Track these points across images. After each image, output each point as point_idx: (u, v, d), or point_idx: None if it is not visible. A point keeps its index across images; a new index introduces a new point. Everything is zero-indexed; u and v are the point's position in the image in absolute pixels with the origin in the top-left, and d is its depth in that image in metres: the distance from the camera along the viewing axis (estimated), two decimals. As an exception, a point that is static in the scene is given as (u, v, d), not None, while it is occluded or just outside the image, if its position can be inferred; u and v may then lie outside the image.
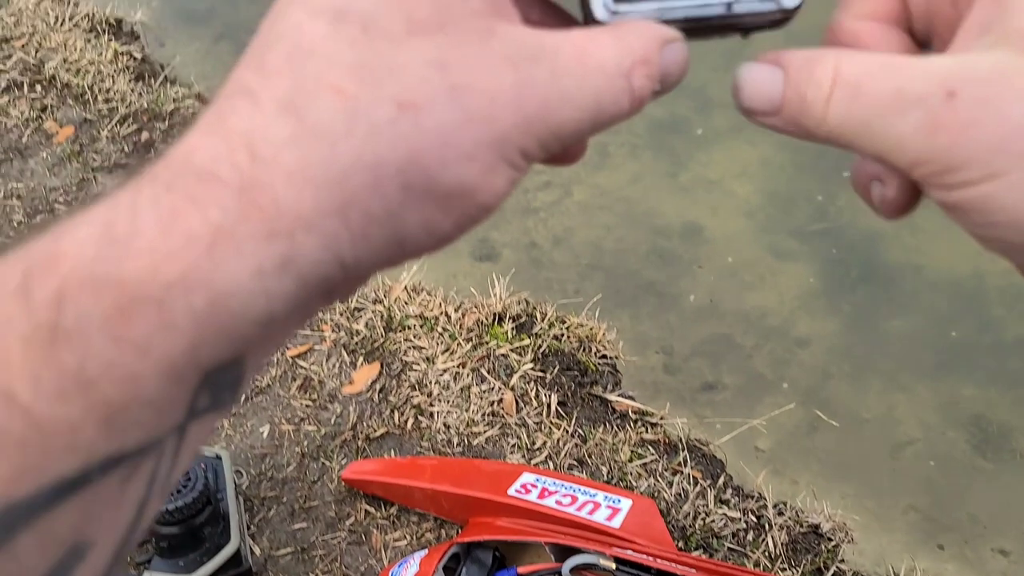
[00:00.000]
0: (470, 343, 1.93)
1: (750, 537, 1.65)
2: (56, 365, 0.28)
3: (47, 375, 0.28)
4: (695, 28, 0.39)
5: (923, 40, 0.39)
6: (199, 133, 0.31)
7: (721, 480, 1.74)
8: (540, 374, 1.88)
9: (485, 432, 1.80)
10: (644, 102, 0.37)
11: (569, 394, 1.87)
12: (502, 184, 0.34)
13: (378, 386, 1.91)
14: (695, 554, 1.62)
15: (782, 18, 0.39)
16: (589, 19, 0.38)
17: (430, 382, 1.88)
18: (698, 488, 1.71)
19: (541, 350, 1.92)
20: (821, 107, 0.35)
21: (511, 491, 1.58)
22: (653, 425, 1.83)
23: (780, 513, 1.68)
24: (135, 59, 2.88)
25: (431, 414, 1.84)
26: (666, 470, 1.74)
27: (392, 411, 1.86)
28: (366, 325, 2.01)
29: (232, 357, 0.31)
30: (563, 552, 1.39)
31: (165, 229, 0.29)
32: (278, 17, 0.33)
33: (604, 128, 0.36)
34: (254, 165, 0.30)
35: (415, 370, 1.91)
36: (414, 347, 1.95)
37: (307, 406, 1.89)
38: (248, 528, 1.71)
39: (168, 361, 0.29)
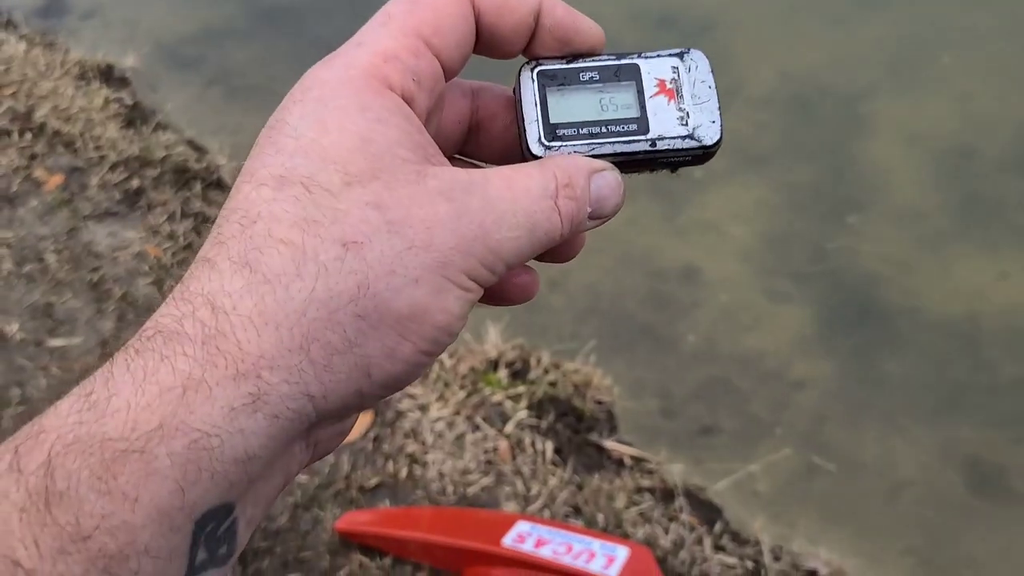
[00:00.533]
0: (464, 390, 2.00)
1: (748, 584, 1.71)
2: (53, 526, 0.32)
3: (45, 537, 0.32)
4: (624, 163, 0.45)
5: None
6: (166, 305, 0.37)
7: (718, 526, 1.80)
8: (535, 421, 1.95)
9: (480, 480, 1.86)
10: (577, 224, 0.43)
11: (565, 441, 1.93)
12: (453, 305, 0.39)
13: (372, 435, 1.97)
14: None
15: (704, 154, 0.46)
16: (527, 155, 0.45)
17: (424, 430, 1.95)
18: (695, 534, 1.77)
19: (536, 397, 1.98)
20: None
21: (506, 541, 1.63)
22: (650, 471, 1.89)
23: (777, 559, 1.74)
24: (126, 105, 2.98)
25: (425, 463, 1.90)
26: (663, 516, 1.80)
27: (386, 460, 1.92)
28: (360, 373, 2.07)
29: (221, 503, 0.35)
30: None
31: (139, 386, 0.34)
32: (232, 195, 0.39)
33: (546, 247, 0.42)
34: (215, 316, 0.35)
35: (409, 418, 1.97)
36: (408, 395, 2.02)
37: (301, 456, 1.95)
38: (242, 581, 1.75)
39: (157, 507, 0.33)
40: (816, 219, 2.43)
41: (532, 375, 2.03)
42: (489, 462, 1.89)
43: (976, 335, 2.14)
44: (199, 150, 2.82)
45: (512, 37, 0.44)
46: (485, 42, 0.44)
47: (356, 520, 1.81)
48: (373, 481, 1.89)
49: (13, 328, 2.22)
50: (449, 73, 0.43)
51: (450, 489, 1.86)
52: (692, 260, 2.38)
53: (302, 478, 1.90)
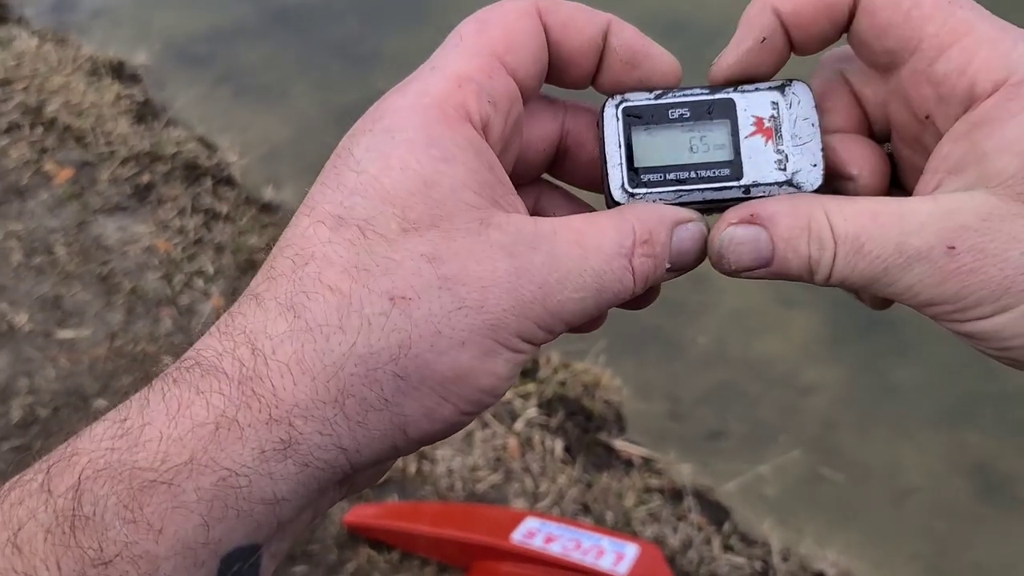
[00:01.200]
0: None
1: (756, 584, 1.72)
2: (76, 550, 0.32)
3: (68, 559, 0.32)
4: (712, 208, 0.42)
5: (880, 139, 0.44)
6: (210, 336, 0.37)
7: (726, 527, 1.81)
8: (545, 419, 1.96)
9: (489, 477, 1.87)
10: (650, 280, 0.40)
11: (574, 440, 1.94)
12: (502, 368, 0.37)
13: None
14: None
15: None
16: (610, 202, 0.43)
17: (434, 427, 1.96)
18: (703, 534, 1.78)
19: (546, 396, 2.00)
20: (827, 265, 0.38)
21: (515, 536, 1.64)
22: (658, 471, 1.91)
23: (785, 559, 1.75)
24: (137, 102, 2.99)
25: (434, 459, 1.91)
26: (671, 516, 1.81)
27: (395, 456, 1.93)
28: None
29: (248, 543, 0.35)
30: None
31: (172, 418, 0.34)
32: (291, 225, 0.39)
33: (613, 304, 0.40)
34: (254, 358, 0.35)
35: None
36: (418, 392, 2.02)
37: (310, 450, 1.96)
38: (250, 572, 1.76)
39: (182, 540, 0.33)
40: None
41: (542, 374, 2.05)
42: (498, 459, 1.90)
43: (984, 343, 2.16)
44: (209, 147, 2.84)
45: (580, 58, 0.42)
46: (553, 64, 0.42)
47: (364, 514, 1.81)
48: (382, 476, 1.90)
49: (22, 319, 2.23)
50: (526, 92, 0.42)
51: (459, 485, 1.87)
52: (702, 265, 2.40)
53: (310, 472, 1.91)
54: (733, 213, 0.41)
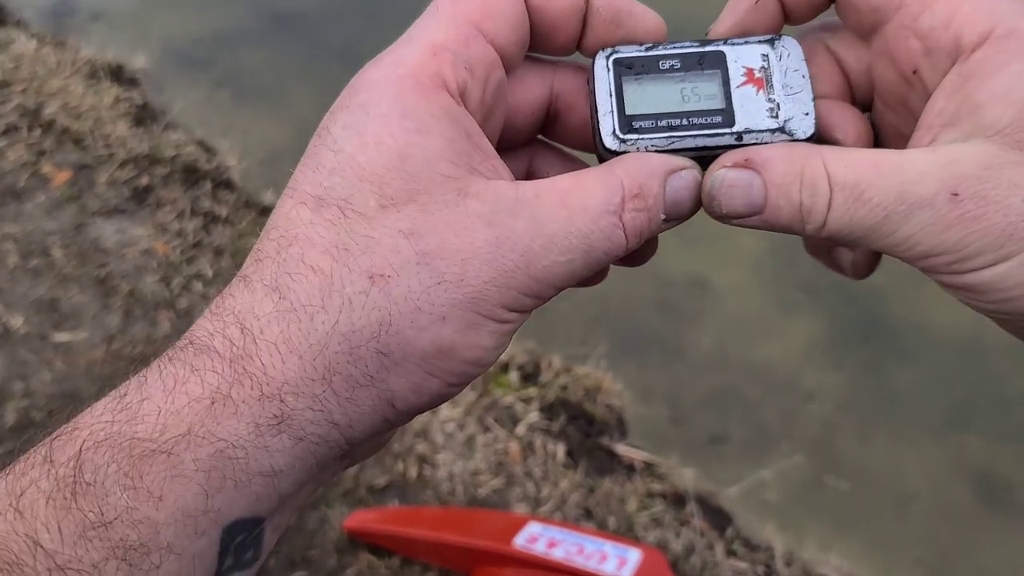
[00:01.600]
0: (475, 392, 2.00)
1: (758, 590, 1.71)
2: (76, 514, 0.33)
3: (68, 522, 0.33)
4: (705, 157, 0.42)
5: (864, 107, 0.45)
6: (203, 318, 0.38)
7: (729, 532, 1.81)
8: (546, 424, 1.95)
9: (490, 482, 1.86)
10: (645, 234, 0.39)
11: (576, 444, 1.94)
12: (486, 339, 0.37)
13: (382, 434, 1.97)
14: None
15: None
16: (602, 151, 0.42)
17: (434, 431, 1.95)
18: (706, 539, 1.77)
19: (547, 400, 1.99)
20: (821, 212, 0.38)
21: (517, 541, 1.63)
22: (661, 476, 1.90)
23: (788, 564, 1.74)
24: (135, 105, 2.99)
25: (435, 464, 1.90)
26: (674, 521, 1.80)
27: (396, 460, 1.92)
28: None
29: (250, 515, 0.36)
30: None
31: (169, 393, 0.35)
32: (276, 208, 0.39)
33: (604, 264, 0.39)
34: (243, 338, 0.36)
35: (419, 418, 1.97)
36: (418, 395, 2.02)
37: (309, 454, 1.95)
38: (249, 577, 1.75)
39: (182, 508, 0.34)
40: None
41: (543, 378, 2.04)
42: (500, 464, 1.90)
43: (983, 348, 2.17)
44: (209, 150, 2.83)
45: (563, 22, 0.42)
46: (537, 31, 0.42)
47: (365, 519, 1.80)
48: (382, 481, 1.89)
49: (18, 321, 2.21)
50: (508, 59, 0.42)
51: (460, 490, 1.86)
52: (702, 270, 2.40)
53: (310, 476, 1.90)
54: (727, 157, 0.40)
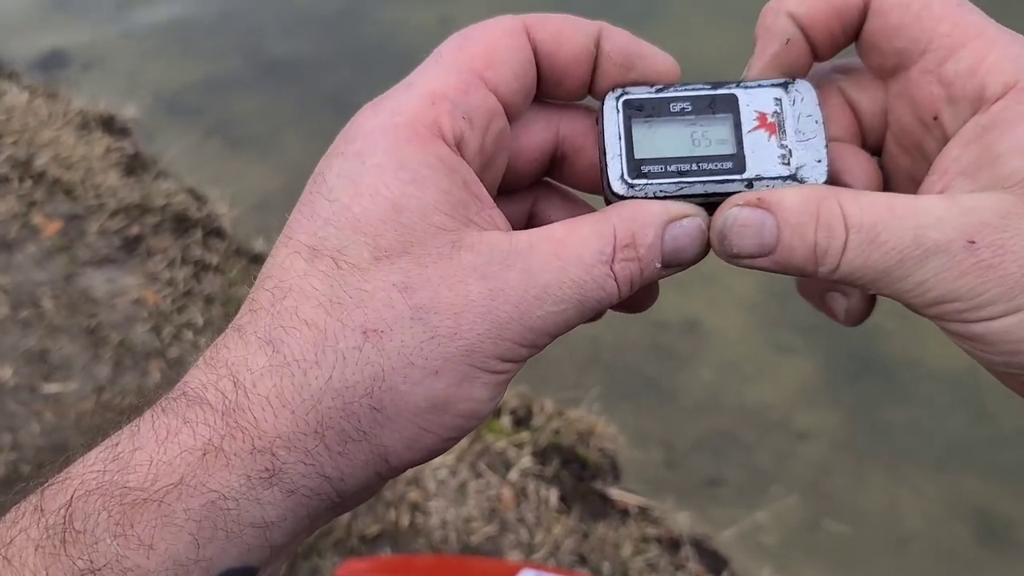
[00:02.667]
0: (467, 438, 2.00)
1: (756, 635, 1.69)
2: (66, 561, 0.33)
3: (57, 570, 0.33)
4: (714, 203, 0.41)
5: (874, 151, 0.44)
6: (196, 368, 0.38)
7: (725, 575, 1.79)
8: (539, 469, 1.94)
9: (483, 529, 1.85)
10: (637, 283, 0.39)
11: (569, 489, 1.93)
12: (480, 392, 0.37)
13: (374, 482, 1.96)
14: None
15: None
16: (610, 195, 0.42)
17: (426, 478, 1.94)
18: (702, 584, 1.76)
19: (540, 444, 1.98)
20: (836, 254, 0.38)
21: (511, 589, 1.62)
22: (655, 520, 1.89)
23: (786, 609, 1.73)
24: (127, 154, 3.01)
25: (428, 511, 1.89)
26: (669, 565, 1.79)
27: (387, 508, 1.91)
28: (361, 420, 2.07)
29: (241, 565, 0.36)
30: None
31: (162, 443, 0.35)
32: (271, 255, 0.39)
33: (598, 312, 0.39)
34: (236, 391, 0.36)
35: (411, 465, 1.96)
36: (410, 442, 2.01)
37: (300, 503, 1.94)
38: (239, 630, 1.73)
39: (172, 556, 0.34)
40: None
41: (535, 422, 2.04)
42: (493, 510, 1.88)
43: (977, 386, 2.17)
44: (199, 198, 2.85)
45: (573, 67, 0.42)
46: (547, 77, 0.42)
47: (357, 568, 1.78)
48: (374, 529, 1.88)
49: (7, 373, 2.21)
50: (512, 109, 0.41)
51: (453, 537, 1.85)
52: (694, 312, 2.41)
53: (301, 526, 1.89)
54: (740, 196, 0.40)
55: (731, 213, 0.39)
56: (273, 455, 0.35)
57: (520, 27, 0.41)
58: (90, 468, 0.35)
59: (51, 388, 2.20)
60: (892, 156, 0.44)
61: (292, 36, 3.47)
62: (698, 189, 0.41)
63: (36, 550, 0.33)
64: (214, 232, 2.70)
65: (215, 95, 3.26)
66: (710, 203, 0.41)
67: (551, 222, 0.41)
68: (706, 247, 0.41)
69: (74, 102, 3.21)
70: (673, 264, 0.40)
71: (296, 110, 3.12)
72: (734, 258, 0.40)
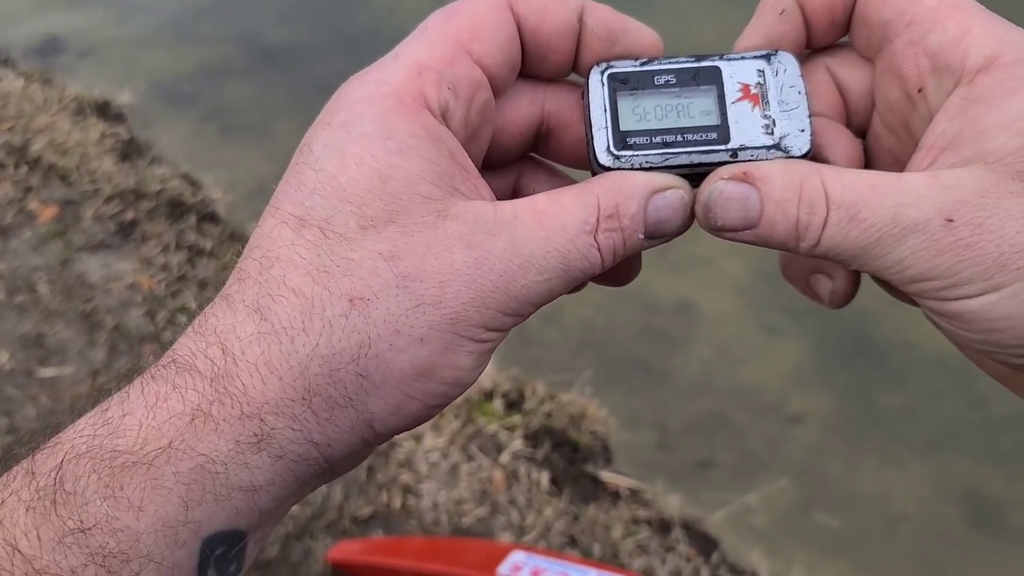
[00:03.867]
0: (459, 420, 2.00)
1: (746, 616, 1.70)
2: (56, 521, 0.34)
3: (47, 529, 0.34)
4: (699, 174, 0.41)
5: (859, 132, 0.44)
6: (185, 336, 0.38)
7: (715, 557, 1.80)
8: (531, 451, 1.95)
9: (474, 511, 1.86)
10: (620, 254, 0.40)
11: (560, 472, 1.94)
12: (465, 360, 0.38)
13: (365, 464, 1.96)
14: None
15: None
16: (596, 167, 0.42)
17: (418, 460, 1.95)
18: (692, 565, 1.77)
19: (531, 427, 1.99)
20: (816, 230, 0.38)
21: (502, 570, 1.62)
22: (646, 502, 1.90)
23: (775, 590, 1.73)
24: (122, 140, 3.01)
25: (419, 493, 1.90)
26: (660, 547, 1.79)
27: (379, 490, 1.92)
28: (354, 403, 2.07)
29: (231, 528, 0.36)
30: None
31: (151, 409, 0.36)
32: (258, 226, 0.40)
33: (582, 281, 0.40)
34: (224, 358, 0.36)
35: (403, 448, 1.97)
36: (402, 425, 2.02)
37: (293, 486, 1.95)
38: (231, 611, 1.74)
39: (162, 518, 0.34)
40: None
41: (527, 406, 2.04)
42: (484, 492, 1.89)
43: (969, 370, 2.16)
44: (194, 184, 2.86)
45: (556, 42, 0.42)
46: (531, 52, 0.42)
47: (349, 550, 1.80)
48: (366, 511, 1.89)
49: (3, 358, 2.22)
50: (497, 82, 0.42)
51: (444, 519, 1.86)
52: (686, 295, 2.41)
53: (294, 509, 1.89)
54: (725, 169, 0.40)
55: (716, 186, 0.40)
56: (261, 420, 0.36)
57: (504, 2, 0.41)
58: (80, 433, 0.35)
59: (47, 372, 2.21)
60: (878, 136, 0.44)
61: (287, 23, 3.47)
62: (683, 160, 0.41)
63: (27, 511, 0.34)
64: (208, 217, 2.70)
65: (210, 82, 3.26)
66: (695, 174, 0.42)
67: (533, 192, 0.42)
68: (689, 219, 0.41)
69: (69, 88, 3.22)
70: (656, 235, 0.40)
71: (290, 97, 3.12)
72: (718, 231, 0.40)
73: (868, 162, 0.44)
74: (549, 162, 0.47)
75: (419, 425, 0.40)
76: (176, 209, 2.69)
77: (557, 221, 0.38)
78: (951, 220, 0.36)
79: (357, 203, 0.37)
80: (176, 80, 3.29)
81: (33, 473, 0.35)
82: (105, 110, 3.15)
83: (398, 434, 0.39)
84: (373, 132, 0.38)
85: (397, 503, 1.89)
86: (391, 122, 0.38)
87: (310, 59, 3.26)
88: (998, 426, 2.07)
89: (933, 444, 2.06)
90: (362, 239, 0.37)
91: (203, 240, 2.60)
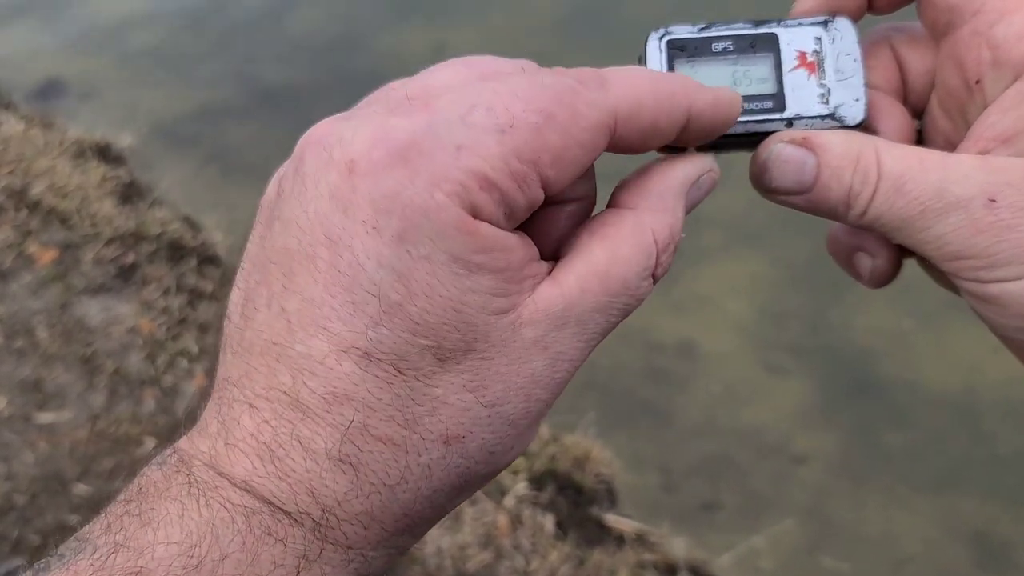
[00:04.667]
0: (463, 464, 2.00)
1: (755, 662, 1.68)
2: None
3: None
4: (755, 141, 0.42)
5: (916, 112, 0.45)
6: (248, 461, 0.35)
7: (722, 601, 1.79)
8: (535, 495, 1.94)
9: (479, 556, 1.84)
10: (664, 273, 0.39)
11: (565, 515, 1.92)
12: (532, 437, 0.39)
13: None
14: None
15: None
16: None
17: (422, 505, 1.93)
18: (699, 610, 1.75)
19: (535, 470, 1.98)
20: (866, 199, 0.39)
21: (507, 616, 1.61)
22: (652, 546, 1.88)
23: (784, 635, 1.72)
24: (122, 183, 3.02)
25: (422, 539, 1.88)
26: (666, 591, 1.78)
27: (383, 535, 1.90)
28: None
29: None
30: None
31: (251, 555, 0.34)
32: (295, 334, 0.35)
33: None
34: (322, 514, 0.35)
35: (407, 492, 1.96)
36: (405, 469, 2.00)
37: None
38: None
39: None
40: (812, 293, 2.48)
41: (531, 448, 2.03)
42: (488, 537, 1.88)
43: (974, 407, 2.17)
44: (194, 227, 2.86)
45: (655, 148, 0.40)
46: (622, 150, 0.40)
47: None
48: (369, 557, 1.87)
49: (1, 403, 2.21)
50: (551, 196, 0.38)
51: (448, 564, 1.84)
52: (689, 334, 2.41)
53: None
54: (786, 133, 0.41)
55: (775, 148, 0.40)
56: (364, 558, 0.36)
57: (608, 125, 0.37)
58: (168, 570, 0.33)
59: (45, 417, 2.20)
60: (934, 119, 0.44)
61: (287, 64, 3.50)
62: (739, 129, 0.41)
63: None
64: (209, 260, 2.71)
65: (210, 124, 3.28)
66: (750, 142, 0.42)
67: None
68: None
69: (70, 131, 3.23)
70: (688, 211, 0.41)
71: (291, 137, 3.11)
72: (771, 192, 0.41)
73: (922, 142, 0.44)
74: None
75: None
76: (177, 252, 2.70)
77: (619, 280, 0.37)
78: (994, 200, 0.36)
79: (433, 336, 0.34)
80: (177, 122, 3.31)
81: None
82: (106, 153, 3.17)
83: None
84: (437, 256, 0.34)
85: (400, 548, 1.87)
86: (454, 243, 0.34)
87: (310, 100, 3.28)
88: (1004, 464, 2.06)
89: (939, 483, 2.05)
90: (443, 373, 0.35)
91: (204, 283, 2.60)
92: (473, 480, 0.37)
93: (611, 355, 2.38)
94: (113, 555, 0.33)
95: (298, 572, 0.35)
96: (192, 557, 0.33)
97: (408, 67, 0.41)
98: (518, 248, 0.36)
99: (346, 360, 0.34)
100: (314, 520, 0.35)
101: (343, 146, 0.36)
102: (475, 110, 0.35)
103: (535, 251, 0.37)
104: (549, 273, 0.38)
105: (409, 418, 0.35)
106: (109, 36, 3.81)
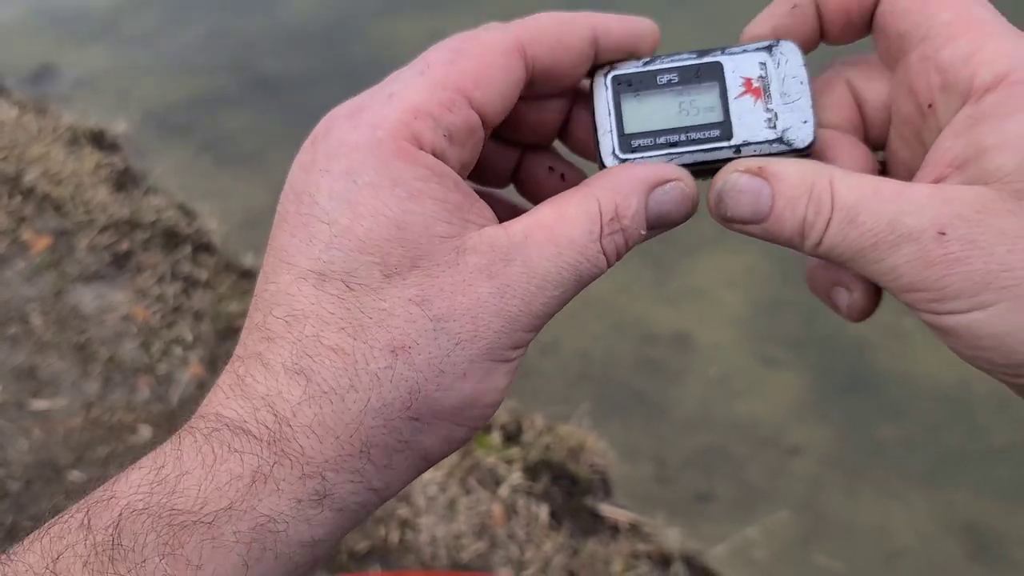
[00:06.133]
0: (457, 453, 2.00)
1: (747, 652, 1.69)
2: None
3: None
4: (705, 170, 0.42)
5: (877, 146, 0.45)
6: (223, 394, 0.38)
7: (716, 592, 1.79)
8: (529, 485, 1.94)
9: (473, 545, 1.85)
10: (623, 252, 0.41)
11: (559, 505, 1.93)
12: (501, 380, 0.40)
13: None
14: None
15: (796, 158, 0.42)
16: (602, 169, 0.43)
17: (416, 494, 1.94)
18: (693, 601, 1.76)
19: (530, 460, 1.98)
20: (820, 230, 0.39)
21: (501, 606, 1.62)
22: (646, 536, 1.89)
23: (777, 625, 1.72)
24: (116, 170, 3.01)
25: (417, 527, 1.89)
26: (660, 582, 1.79)
27: (377, 524, 1.91)
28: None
29: None
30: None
31: (209, 470, 0.36)
32: (270, 280, 0.40)
33: (589, 283, 0.41)
34: (277, 423, 0.37)
35: (401, 482, 1.96)
36: (400, 458, 2.01)
37: (290, 520, 1.93)
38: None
39: None
40: (806, 285, 2.48)
41: (525, 438, 2.04)
42: (482, 526, 1.88)
43: (968, 400, 2.17)
44: (189, 214, 2.85)
45: (571, 71, 0.43)
46: (541, 81, 0.43)
47: (346, 586, 1.78)
48: (363, 546, 1.87)
49: (-5, 390, 2.21)
50: (489, 123, 0.42)
51: (443, 554, 1.85)
52: (683, 326, 2.41)
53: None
54: (741, 162, 0.41)
55: (731, 178, 0.41)
56: (322, 478, 0.36)
57: (515, 46, 0.41)
58: (136, 489, 0.35)
59: (39, 405, 2.19)
60: (894, 150, 0.44)
61: (282, 52, 3.49)
62: (687, 159, 0.42)
63: (84, 566, 0.34)
64: (203, 247, 2.70)
65: (205, 111, 3.27)
66: (703, 171, 0.42)
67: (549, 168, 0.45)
68: (691, 209, 0.42)
69: (64, 117, 3.22)
70: (657, 227, 0.41)
71: (286, 126, 3.13)
72: (728, 221, 0.41)
73: (885, 174, 0.44)
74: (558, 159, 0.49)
75: (464, 444, 0.41)
76: (171, 239, 2.69)
77: (566, 236, 0.39)
78: (943, 233, 0.36)
79: (378, 253, 0.38)
80: (171, 109, 3.30)
81: (89, 527, 0.35)
82: (100, 140, 3.15)
83: (447, 456, 0.41)
84: (380, 181, 0.38)
85: (395, 538, 1.88)
86: (395, 169, 0.38)
87: (305, 88, 3.27)
88: (997, 457, 2.07)
89: (932, 476, 2.06)
90: (389, 288, 0.38)
91: (198, 270, 2.59)
92: (422, 402, 0.37)
93: (606, 346, 2.38)
94: (92, 492, 0.36)
95: (253, 482, 0.35)
96: (157, 476, 0.36)
97: (403, 55, 0.42)
98: (457, 181, 0.40)
99: (304, 284, 0.38)
100: (270, 431, 0.36)
101: (313, 130, 0.42)
102: (402, 70, 0.41)
103: (487, 209, 0.40)
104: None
105: (358, 328, 0.37)
106: (103, 22, 3.79)
